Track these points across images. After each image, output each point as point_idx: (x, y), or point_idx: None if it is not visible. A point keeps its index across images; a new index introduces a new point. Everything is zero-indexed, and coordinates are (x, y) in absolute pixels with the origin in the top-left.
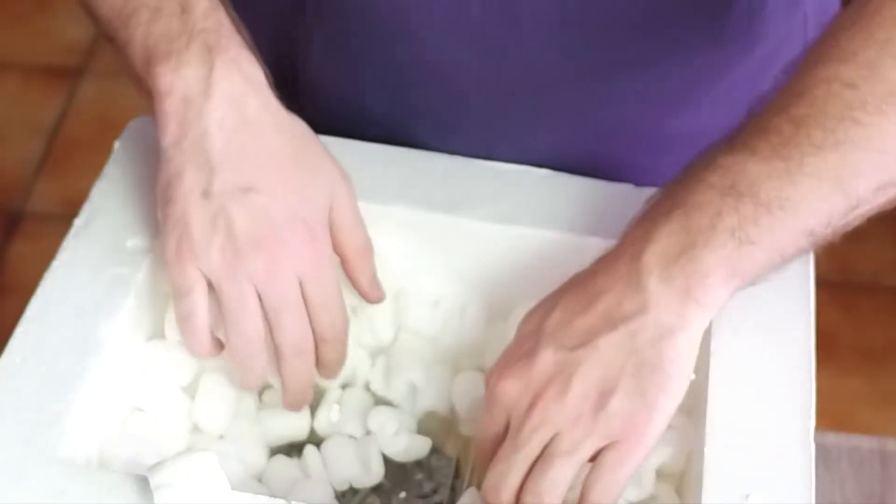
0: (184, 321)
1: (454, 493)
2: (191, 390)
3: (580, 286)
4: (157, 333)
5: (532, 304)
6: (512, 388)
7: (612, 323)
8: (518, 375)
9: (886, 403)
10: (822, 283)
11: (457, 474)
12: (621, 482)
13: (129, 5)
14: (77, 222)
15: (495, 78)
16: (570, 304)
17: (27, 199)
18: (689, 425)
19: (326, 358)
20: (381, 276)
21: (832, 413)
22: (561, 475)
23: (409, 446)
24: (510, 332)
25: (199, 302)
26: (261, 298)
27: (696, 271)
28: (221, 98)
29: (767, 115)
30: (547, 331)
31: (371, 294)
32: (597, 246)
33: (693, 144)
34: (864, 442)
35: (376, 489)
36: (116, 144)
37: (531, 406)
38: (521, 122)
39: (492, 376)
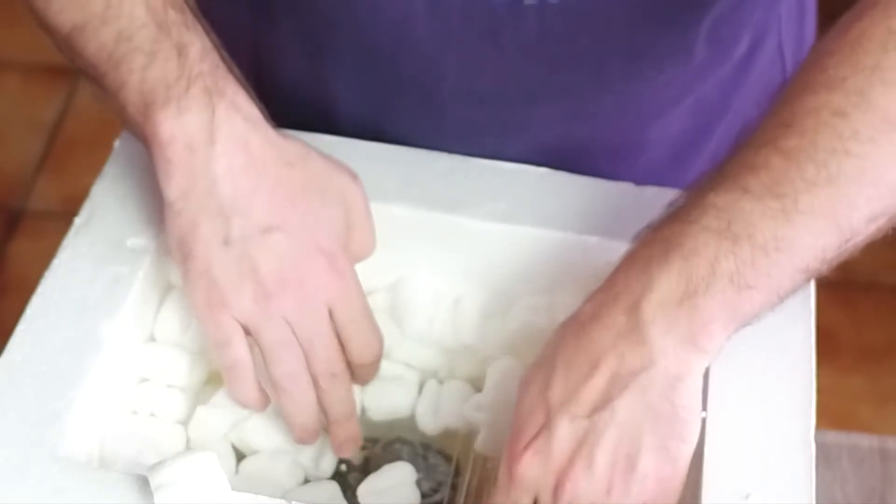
0: (231, 371)
1: (454, 491)
2: (190, 390)
3: (577, 342)
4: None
5: (531, 301)
6: (534, 467)
7: (622, 383)
8: (537, 452)
9: (886, 402)
10: (822, 283)
11: (456, 472)
12: None
13: (120, 49)
14: (77, 221)
15: (473, 89)
16: (572, 367)
17: (28, 197)
18: None
19: (363, 376)
20: (379, 275)
21: (832, 412)
22: None
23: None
24: (509, 327)
25: (242, 349)
26: (295, 334)
27: (699, 319)
28: (226, 142)
29: (755, 148)
30: (555, 401)
31: None
32: (596, 244)
33: (665, 147)
34: (865, 440)
35: None
36: (117, 143)
37: (559, 485)
38: (496, 133)
39: (507, 456)
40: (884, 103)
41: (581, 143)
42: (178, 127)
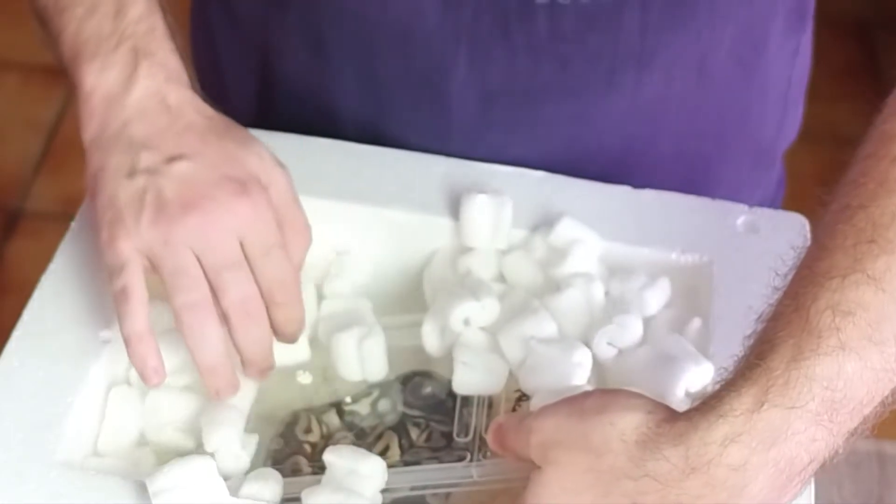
0: (118, 300)
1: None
2: (190, 391)
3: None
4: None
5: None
6: None
7: None
8: None
9: None
10: None
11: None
12: None
13: None
14: (74, 225)
15: (480, 86)
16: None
17: (26, 197)
18: None
19: (280, 320)
20: (376, 275)
21: None
22: None
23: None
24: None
25: (134, 276)
26: (201, 263)
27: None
28: (142, 91)
29: (842, 277)
30: None
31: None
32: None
33: (674, 166)
34: (862, 444)
35: (393, 427)
36: None
37: None
38: (501, 131)
39: None
40: None
41: (588, 152)
42: (99, 80)
